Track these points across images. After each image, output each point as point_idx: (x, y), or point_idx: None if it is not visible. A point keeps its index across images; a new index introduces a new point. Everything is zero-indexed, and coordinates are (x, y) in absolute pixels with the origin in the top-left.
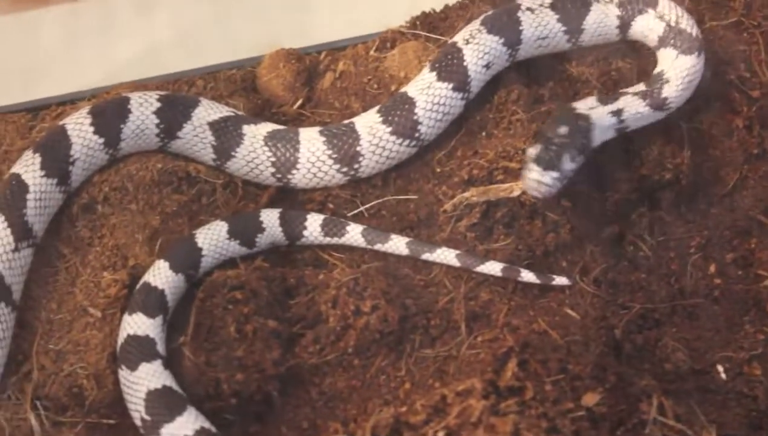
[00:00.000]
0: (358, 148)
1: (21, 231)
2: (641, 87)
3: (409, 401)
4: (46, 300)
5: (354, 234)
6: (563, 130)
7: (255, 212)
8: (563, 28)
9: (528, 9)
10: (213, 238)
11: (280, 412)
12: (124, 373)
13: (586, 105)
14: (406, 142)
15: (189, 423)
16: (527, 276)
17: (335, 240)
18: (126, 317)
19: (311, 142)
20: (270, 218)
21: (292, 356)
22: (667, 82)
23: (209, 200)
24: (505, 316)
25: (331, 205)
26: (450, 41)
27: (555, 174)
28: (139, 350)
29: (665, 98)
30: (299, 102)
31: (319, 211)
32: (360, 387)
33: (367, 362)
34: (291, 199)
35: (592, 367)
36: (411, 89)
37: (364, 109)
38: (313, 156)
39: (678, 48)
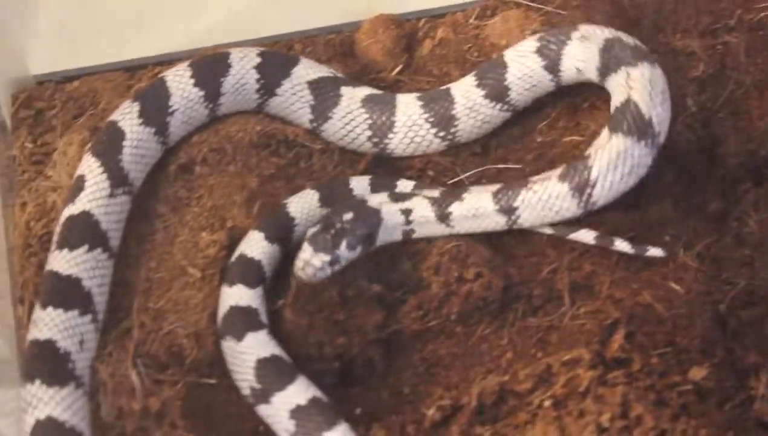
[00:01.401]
0: (453, 112)
1: (117, 177)
2: (436, 193)
3: (511, 370)
4: (145, 259)
5: None
6: (348, 216)
7: (345, 179)
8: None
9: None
10: (305, 206)
11: (382, 377)
12: (229, 344)
13: (377, 200)
14: (498, 105)
15: (301, 392)
16: (621, 245)
17: None
18: (226, 289)
19: (408, 106)
20: (360, 184)
21: (395, 321)
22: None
23: (307, 165)
24: (608, 288)
25: (430, 173)
26: (568, 28)
27: (326, 257)
28: (244, 320)
29: (450, 212)
30: (398, 68)
31: (418, 178)
32: (462, 355)
33: (470, 330)
34: (389, 167)
35: (699, 341)
36: (508, 54)
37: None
38: (410, 120)
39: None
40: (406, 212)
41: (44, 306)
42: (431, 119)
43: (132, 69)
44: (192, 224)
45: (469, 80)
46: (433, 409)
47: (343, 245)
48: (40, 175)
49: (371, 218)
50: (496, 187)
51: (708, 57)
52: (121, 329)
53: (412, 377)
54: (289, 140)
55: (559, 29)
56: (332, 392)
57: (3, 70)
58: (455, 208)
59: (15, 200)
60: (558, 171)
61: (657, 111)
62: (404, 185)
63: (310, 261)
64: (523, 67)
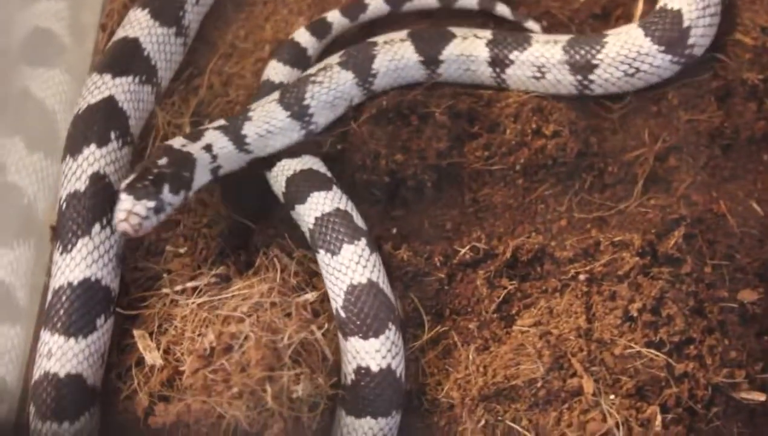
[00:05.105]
0: None
1: None
2: (222, 121)
3: (560, 237)
4: (236, 26)
5: None
6: (163, 161)
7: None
8: None
9: None
10: None
11: (428, 206)
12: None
13: (179, 142)
14: None
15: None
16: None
17: None
18: None
19: None
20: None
21: (458, 154)
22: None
23: None
24: (686, 187)
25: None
26: None
27: (150, 203)
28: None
29: (245, 135)
30: None
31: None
32: (515, 208)
33: (531, 185)
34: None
35: (760, 265)
36: None
37: None
38: None
39: None
40: (208, 148)
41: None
42: None
43: None
44: (292, 7)
45: None
46: (466, 248)
47: (166, 189)
48: None
49: (186, 160)
50: None
51: None
52: (190, 85)
53: (458, 214)
54: None
55: None
56: (375, 206)
57: None
58: (247, 128)
59: None
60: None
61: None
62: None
63: (132, 210)
64: None
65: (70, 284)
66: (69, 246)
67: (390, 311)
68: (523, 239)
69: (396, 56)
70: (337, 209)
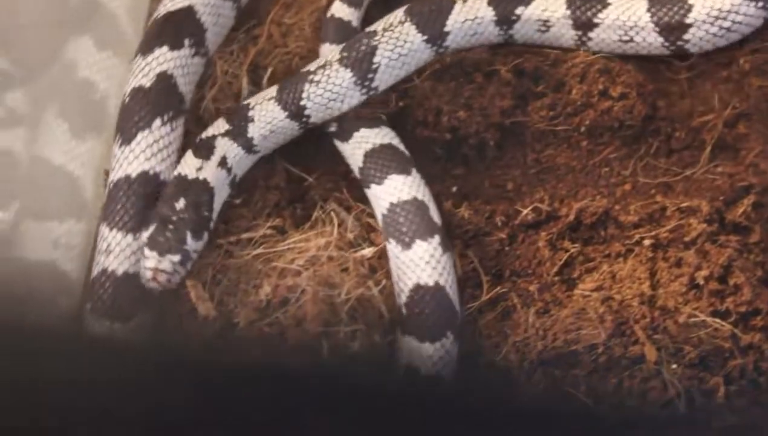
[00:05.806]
0: None
1: None
2: (226, 125)
3: (624, 202)
4: None
5: None
6: (181, 204)
7: None
8: None
9: None
10: None
11: (490, 165)
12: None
13: (192, 166)
14: None
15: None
16: None
17: None
18: None
19: None
20: None
21: (522, 113)
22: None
23: None
24: (755, 156)
25: None
26: None
27: (176, 257)
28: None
29: (251, 138)
30: None
31: None
32: (579, 170)
33: (595, 148)
34: None
35: None
36: None
37: None
38: None
39: None
40: (223, 162)
41: None
42: None
43: None
44: None
45: None
46: (529, 209)
47: (189, 237)
48: None
49: (203, 194)
50: None
51: None
52: (250, 35)
53: (520, 175)
54: None
55: None
56: (436, 164)
57: None
58: (252, 130)
59: None
60: None
61: None
62: None
63: (159, 268)
64: None
65: (128, 177)
66: (129, 139)
67: (451, 318)
68: (586, 201)
69: (399, 42)
70: (414, 199)
